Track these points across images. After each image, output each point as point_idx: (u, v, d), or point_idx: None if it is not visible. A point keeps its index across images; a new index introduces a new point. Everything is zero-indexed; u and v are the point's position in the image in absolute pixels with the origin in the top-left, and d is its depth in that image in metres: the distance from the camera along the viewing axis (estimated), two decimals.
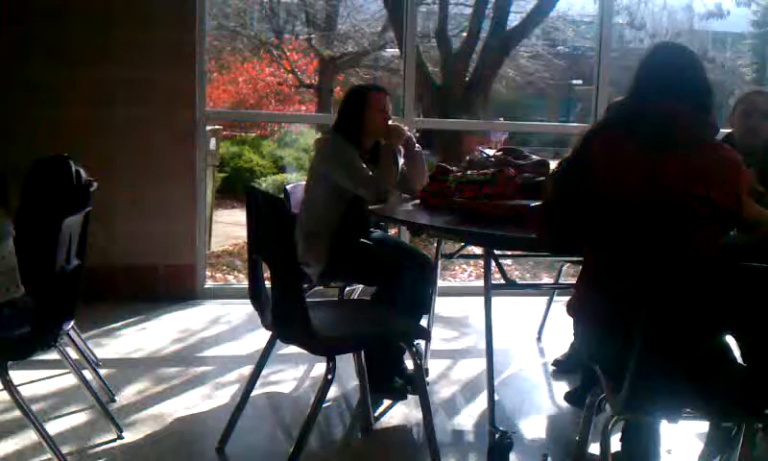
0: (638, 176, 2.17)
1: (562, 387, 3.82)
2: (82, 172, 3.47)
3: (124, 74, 5.04)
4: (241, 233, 8.11)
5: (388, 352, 3.57)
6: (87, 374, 3.40)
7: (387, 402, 3.54)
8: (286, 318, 2.74)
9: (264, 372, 3.07)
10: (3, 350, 2.67)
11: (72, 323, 3.11)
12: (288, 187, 4.03)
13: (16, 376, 2.74)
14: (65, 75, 4.97)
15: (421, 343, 3.59)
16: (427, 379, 3.72)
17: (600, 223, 2.25)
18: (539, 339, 4.64)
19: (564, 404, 3.62)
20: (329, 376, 2.65)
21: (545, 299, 4.69)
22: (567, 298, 2.46)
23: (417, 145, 3.93)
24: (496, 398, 3.27)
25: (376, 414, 3.42)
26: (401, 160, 3.75)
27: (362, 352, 3.24)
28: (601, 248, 2.29)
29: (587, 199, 2.26)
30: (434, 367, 4.04)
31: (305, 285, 3.62)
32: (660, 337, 2.06)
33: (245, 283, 4.32)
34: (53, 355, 3.05)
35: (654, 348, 2.06)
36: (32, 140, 4.59)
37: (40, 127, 4.85)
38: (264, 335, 2.99)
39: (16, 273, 2.74)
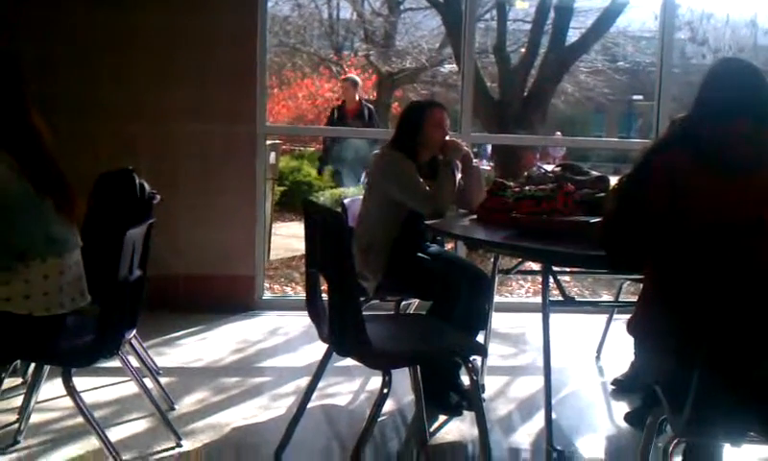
0: (703, 197, 2.13)
1: (621, 407, 3.76)
2: (145, 185, 3.56)
3: (187, 90, 5.16)
4: (298, 246, 8.17)
5: (444, 368, 3.55)
6: (148, 382, 3.47)
7: (442, 418, 3.52)
8: (343, 331, 2.75)
9: (320, 384, 3.09)
10: (67, 357, 2.74)
11: (134, 332, 3.18)
12: (345, 201, 4.07)
13: (80, 382, 2.81)
14: (131, 94, 5.11)
15: (478, 359, 3.57)
16: (483, 396, 3.69)
17: (663, 242, 2.22)
18: (597, 358, 4.57)
19: (624, 425, 3.55)
20: (385, 391, 2.66)
21: (605, 316, 4.62)
22: (628, 316, 2.43)
23: (474, 160, 3.93)
24: (554, 416, 3.22)
25: (431, 429, 3.40)
26: (459, 175, 3.75)
27: (418, 367, 3.23)
28: (663, 267, 2.25)
29: (648, 218, 2.23)
30: (490, 383, 4.01)
31: (362, 299, 3.64)
32: (724, 358, 2.02)
33: (302, 295, 4.38)
34: (115, 363, 3.11)
35: (717, 369, 2.02)
36: (99, 155, 4.72)
37: (107, 142, 4.99)
38: (321, 347, 3.01)
39: (83, 282, 2.82)
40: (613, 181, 3.67)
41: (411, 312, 4.07)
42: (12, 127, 2.62)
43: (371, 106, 9.12)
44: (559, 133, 9.62)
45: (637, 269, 2.44)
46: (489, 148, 11.90)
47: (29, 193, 2.59)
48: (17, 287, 2.60)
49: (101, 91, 5.08)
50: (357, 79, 9.58)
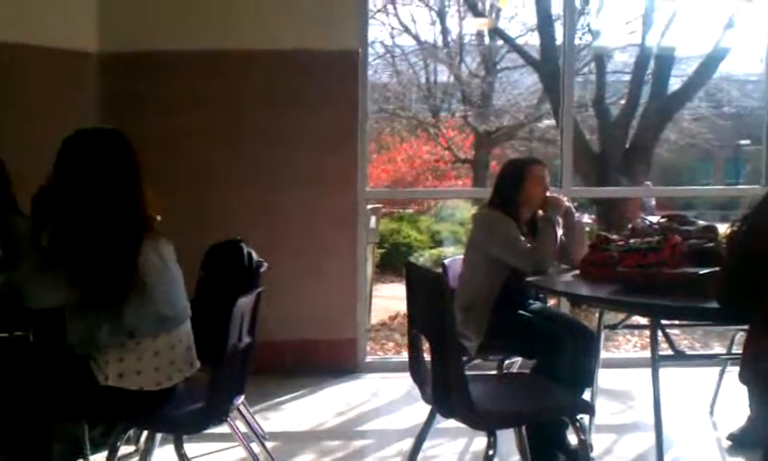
0: None
1: None
2: (253, 253, 3.67)
3: (291, 158, 5.29)
4: (399, 307, 8.20)
5: (550, 427, 3.47)
6: (255, 447, 3.51)
7: None
8: (446, 391, 2.73)
9: (424, 446, 3.06)
10: (178, 424, 2.81)
11: (242, 397, 3.24)
12: (446, 262, 4.07)
13: (190, 448, 2.87)
14: (237, 160, 5.29)
15: (585, 417, 3.47)
16: (592, 455, 3.58)
17: None
18: (711, 412, 4.37)
19: None
20: (490, 452, 2.62)
21: (717, 369, 4.42)
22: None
23: (576, 215, 3.88)
24: None
25: None
26: (560, 231, 3.71)
27: (523, 427, 3.17)
28: None
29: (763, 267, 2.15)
30: (599, 442, 3.89)
31: (464, 358, 3.61)
32: None
33: (404, 356, 4.37)
34: (224, 429, 3.17)
35: None
36: (206, 225, 4.88)
37: (214, 210, 5.17)
38: (423, 409, 2.99)
39: (192, 352, 2.89)
40: (722, 229, 3.56)
41: (515, 371, 4.01)
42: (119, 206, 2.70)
43: None
44: (648, 182, 9.37)
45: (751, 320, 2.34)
46: None
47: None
48: (130, 364, 2.67)
49: (208, 156, 5.26)
50: None
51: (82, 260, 2.58)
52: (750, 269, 2.24)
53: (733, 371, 3.06)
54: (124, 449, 3.44)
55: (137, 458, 3.37)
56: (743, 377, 2.27)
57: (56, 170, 2.72)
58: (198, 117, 5.25)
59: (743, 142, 13.93)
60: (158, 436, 3.24)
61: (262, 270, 3.68)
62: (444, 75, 13.96)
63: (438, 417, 2.93)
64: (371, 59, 6.14)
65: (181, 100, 5.22)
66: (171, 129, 5.14)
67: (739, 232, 2.35)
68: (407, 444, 3.71)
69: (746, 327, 3.18)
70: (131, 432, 3.32)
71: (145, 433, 3.34)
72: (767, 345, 2.18)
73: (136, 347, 2.67)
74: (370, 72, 5.71)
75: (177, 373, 2.79)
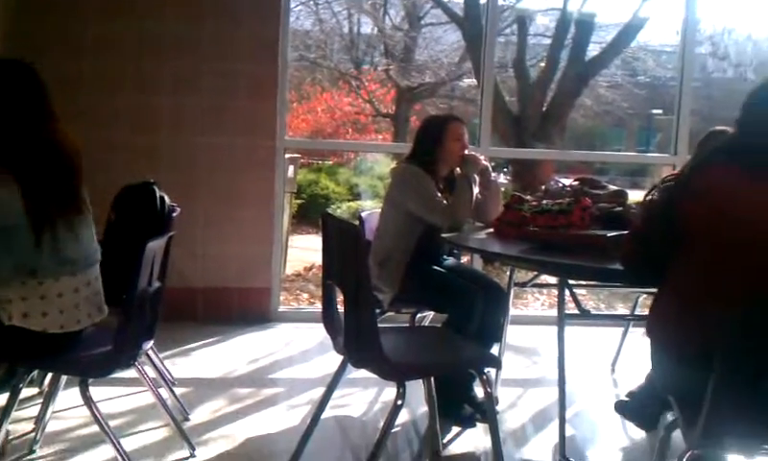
0: (757, 208, 2.12)
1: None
2: (166, 198, 3.59)
3: (208, 103, 5.21)
4: (315, 258, 8.20)
5: (458, 380, 3.55)
6: (163, 392, 3.48)
7: (456, 430, 3.52)
8: (358, 342, 2.76)
9: (334, 395, 3.09)
10: (85, 368, 2.75)
11: (151, 343, 3.20)
12: (363, 214, 4.08)
13: (96, 392, 2.82)
14: (153, 105, 5.16)
15: (492, 371, 3.56)
16: (497, 408, 3.69)
17: (700, 256, 2.21)
18: (612, 370, 4.54)
19: (637, 437, 3.53)
20: (399, 402, 2.66)
21: (620, 329, 4.60)
22: (643, 329, 2.42)
23: (492, 174, 3.93)
24: (567, 429, 3.21)
25: (445, 441, 3.40)
26: (476, 189, 3.76)
27: (432, 379, 3.23)
28: (697, 277, 2.23)
29: (685, 231, 2.22)
30: (504, 396, 4.00)
31: (377, 311, 3.64)
32: (740, 368, 2.01)
33: (317, 307, 4.38)
34: (131, 374, 3.13)
35: (732, 379, 2.01)
36: (119, 167, 4.76)
37: (127, 154, 5.04)
38: (335, 359, 3.02)
39: (100, 297, 2.84)
40: (632, 195, 3.67)
41: (426, 324, 4.08)
42: (28, 143, 2.61)
43: None
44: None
45: (659, 283, 2.42)
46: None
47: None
48: (34, 304, 2.61)
49: (122, 100, 5.14)
50: None
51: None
52: (663, 239, 2.31)
53: (636, 332, 3.19)
54: (27, 392, 3.38)
55: (41, 401, 3.29)
56: (650, 334, 2.37)
57: None
58: (109, 61, 5.12)
59: (655, 111, 14.33)
60: (63, 379, 3.20)
61: (174, 214, 3.62)
62: (367, 26, 13.87)
63: (349, 367, 2.97)
64: (293, 4, 6.04)
65: (89, 42, 5.10)
66: (76, 70, 5.01)
67: (659, 202, 2.41)
68: (318, 393, 3.73)
69: (650, 290, 3.31)
70: (34, 374, 3.26)
71: (50, 376, 3.29)
72: (678, 320, 2.26)
73: (38, 287, 2.61)
74: (291, 18, 5.62)
75: (85, 317, 2.74)
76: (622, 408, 3.56)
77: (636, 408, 3.49)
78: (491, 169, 3.96)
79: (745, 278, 2.12)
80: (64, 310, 2.66)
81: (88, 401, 2.73)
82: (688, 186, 2.25)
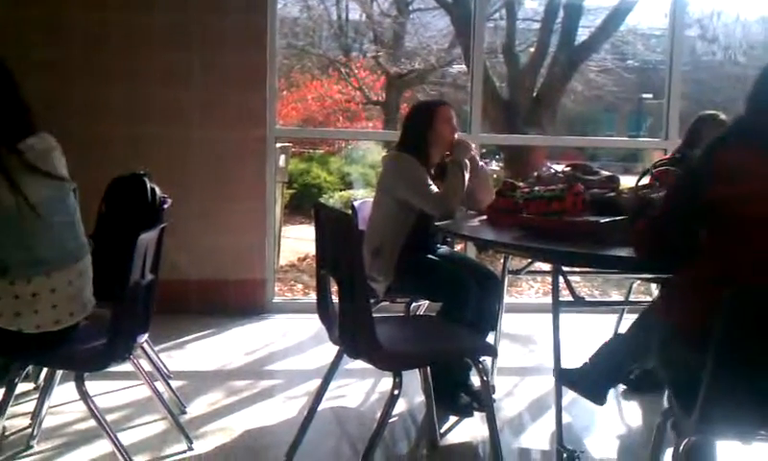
0: None
1: (632, 407, 3.75)
2: (157, 189, 3.58)
3: (198, 94, 5.19)
4: (308, 248, 8.19)
5: (454, 369, 3.56)
6: (160, 385, 3.48)
7: (453, 419, 3.53)
8: (353, 333, 2.76)
9: (331, 386, 3.09)
10: (80, 362, 2.74)
11: (146, 336, 3.19)
12: (355, 203, 4.07)
13: (92, 386, 2.82)
14: (143, 96, 5.14)
15: (488, 360, 3.57)
16: (494, 397, 3.69)
17: (720, 236, 2.21)
18: None
19: (634, 425, 3.55)
20: (396, 392, 2.66)
21: (615, 316, 4.61)
22: (637, 315, 2.42)
23: (480, 162, 3.92)
24: (564, 417, 3.22)
25: (442, 430, 3.41)
26: (468, 176, 3.75)
27: (428, 368, 3.24)
28: (713, 261, 2.23)
29: (704, 214, 2.22)
30: (501, 384, 4.01)
31: (372, 300, 3.64)
32: (736, 354, 2.01)
33: (312, 297, 4.38)
34: (127, 367, 3.12)
35: (728, 365, 2.01)
36: (110, 158, 4.74)
37: (118, 145, 5.02)
38: (331, 349, 3.02)
39: (85, 294, 2.77)
40: (623, 180, 3.66)
41: (421, 314, 4.08)
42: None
43: None
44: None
45: (676, 268, 2.42)
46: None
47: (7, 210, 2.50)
48: (8, 303, 2.56)
49: (113, 92, 5.11)
50: None
51: None
52: (686, 223, 2.31)
53: (630, 318, 3.18)
54: (23, 387, 3.37)
55: (37, 396, 3.28)
56: (660, 315, 2.36)
57: None
58: (96, 51, 5.10)
59: (646, 96, 14.33)
60: (59, 374, 3.19)
61: (166, 206, 3.60)
62: (355, 13, 13.81)
63: (345, 358, 2.96)
64: None
65: (78, 34, 5.08)
66: (65, 59, 5.00)
67: (681, 187, 2.40)
68: (314, 384, 3.74)
69: (643, 275, 3.30)
70: (29, 369, 3.24)
71: (45, 371, 3.28)
72: (689, 307, 2.25)
73: (10, 287, 2.55)
74: (279, 5, 5.59)
75: (66, 316, 2.67)
76: (566, 378, 3.45)
77: (583, 379, 3.37)
78: (478, 156, 3.94)
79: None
80: (39, 310, 2.59)
81: (84, 396, 2.73)
82: (709, 169, 2.25)
